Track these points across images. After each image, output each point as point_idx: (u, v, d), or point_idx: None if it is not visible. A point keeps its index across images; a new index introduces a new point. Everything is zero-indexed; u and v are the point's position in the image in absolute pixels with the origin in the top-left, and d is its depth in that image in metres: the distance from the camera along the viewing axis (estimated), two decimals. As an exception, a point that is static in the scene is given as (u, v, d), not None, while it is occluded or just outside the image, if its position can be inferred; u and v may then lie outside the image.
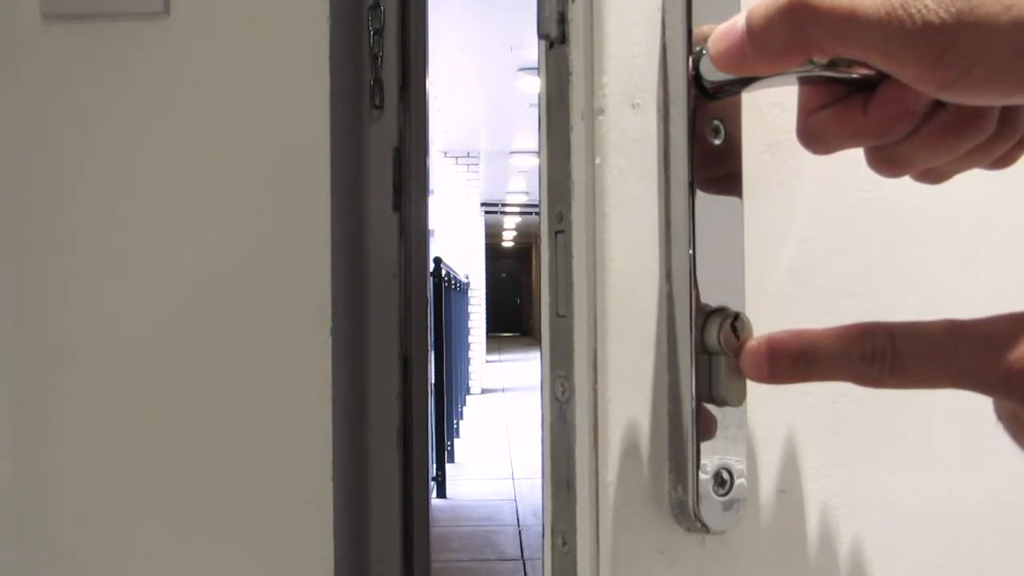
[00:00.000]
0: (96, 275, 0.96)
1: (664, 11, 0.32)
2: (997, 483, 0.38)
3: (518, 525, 3.29)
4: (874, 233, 0.37)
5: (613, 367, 0.31)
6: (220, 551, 0.97)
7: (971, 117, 0.26)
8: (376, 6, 1.07)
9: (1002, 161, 0.28)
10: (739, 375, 0.30)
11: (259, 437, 0.96)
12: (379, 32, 1.07)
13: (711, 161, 0.31)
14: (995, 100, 0.24)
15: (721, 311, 0.31)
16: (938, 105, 0.26)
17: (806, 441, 0.35)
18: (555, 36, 0.34)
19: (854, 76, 0.26)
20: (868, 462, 0.36)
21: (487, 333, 8.96)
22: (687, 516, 0.31)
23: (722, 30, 0.28)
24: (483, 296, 7.84)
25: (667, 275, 0.32)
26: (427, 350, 1.19)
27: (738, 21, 0.27)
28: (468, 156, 7.43)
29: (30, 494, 0.97)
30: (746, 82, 0.29)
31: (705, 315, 0.31)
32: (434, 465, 3.66)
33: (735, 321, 0.30)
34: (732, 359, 0.30)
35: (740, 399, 0.31)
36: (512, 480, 4.05)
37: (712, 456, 0.31)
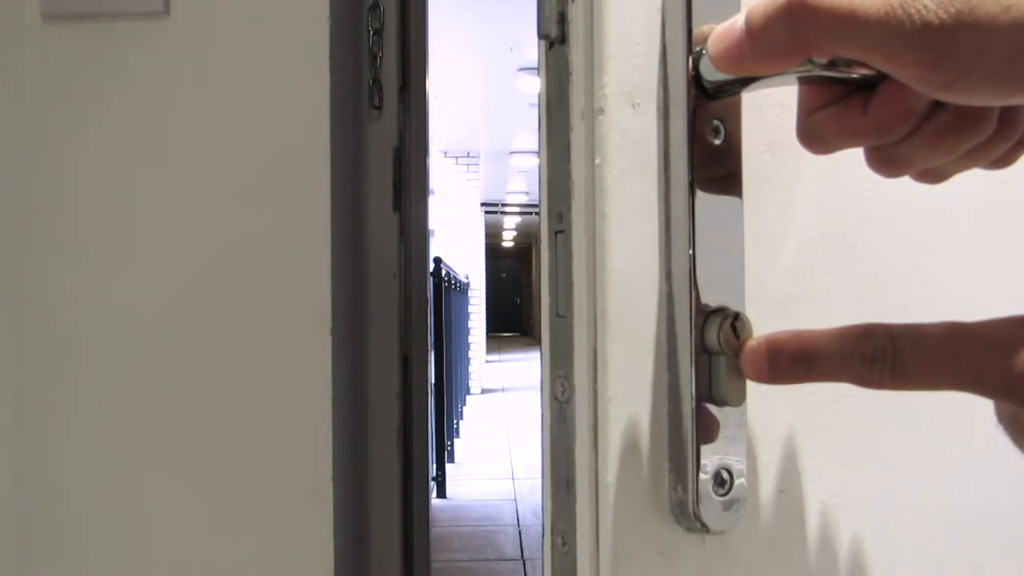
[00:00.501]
0: (96, 275, 0.96)
1: (664, 11, 0.32)
2: (997, 484, 0.38)
3: (518, 525, 3.29)
4: (874, 233, 0.37)
5: (613, 367, 0.31)
6: (220, 551, 0.97)
7: (970, 117, 0.26)
8: (376, 6, 1.07)
9: (1001, 161, 0.28)
10: (739, 375, 0.30)
11: (259, 437, 0.96)
12: (379, 32, 1.07)
13: (711, 161, 0.31)
14: (994, 100, 0.24)
15: (721, 311, 0.31)
16: (938, 105, 0.26)
17: (806, 441, 0.35)
18: (555, 36, 0.34)
19: (854, 76, 0.26)
20: (868, 462, 0.36)
21: (487, 333, 8.96)
22: (687, 516, 0.31)
23: (721, 30, 0.28)
24: (483, 296, 7.84)
25: (667, 275, 0.32)
26: (427, 350, 1.19)
27: (737, 21, 0.27)
28: (468, 156, 7.43)
29: (29, 492, 0.97)
30: (746, 82, 0.29)
31: (705, 315, 0.31)
32: (434, 465, 3.66)
33: (735, 321, 0.30)
34: (732, 359, 0.30)
35: (740, 399, 0.31)
36: (512, 480, 4.05)
37: (712, 456, 0.31)
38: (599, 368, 0.32)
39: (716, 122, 0.32)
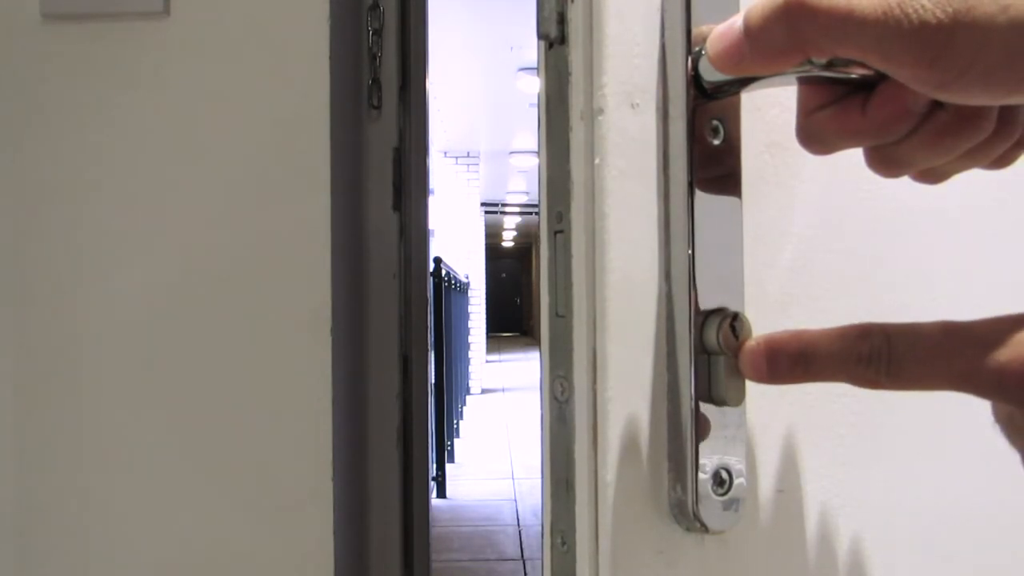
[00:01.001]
0: (96, 275, 0.96)
1: (663, 11, 0.32)
2: (996, 484, 0.38)
3: (518, 525, 3.29)
4: (874, 233, 0.37)
5: (612, 367, 0.31)
6: (220, 550, 0.97)
7: (969, 117, 0.26)
8: (376, 6, 1.07)
9: (1001, 161, 0.28)
10: (738, 375, 0.30)
11: (259, 437, 0.96)
12: (378, 32, 1.07)
13: (710, 161, 0.31)
14: (993, 100, 0.24)
15: (720, 311, 0.31)
16: (937, 105, 0.26)
17: (805, 441, 0.35)
18: (555, 36, 0.34)
19: (853, 76, 0.26)
20: (867, 462, 0.36)
21: (487, 333, 8.96)
22: (686, 516, 0.31)
23: (720, 30, 0.28)
24: (483, 296, 7.84)
25: (666, 275, 0.32)
26: (427, 350, 1.19)
27: (736, 21, 0.27)
28: (468, 156, 7.43)
29: (29, 492, 0.97)
30: (745, 82, 0.29)
31: (704, 315, 0.31)
32: (434, 465, 3.66)
33: (734, 321, 0.30)
34: (731, 359, 0.30)
35: (739, 399, 0.31)
36: (512, 480, 4.05)
37: (711, 456, 0.31)
38: (598, 368, 0.32)
39: (715, 122, 0.32)
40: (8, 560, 0.97)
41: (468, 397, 6.77)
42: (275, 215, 0.96)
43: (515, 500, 3.68)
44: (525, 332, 20.02)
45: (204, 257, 0.96)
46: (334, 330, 0.96)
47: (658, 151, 0.32)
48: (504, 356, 12.40)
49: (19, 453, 0.97)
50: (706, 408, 0.31)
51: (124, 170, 0.96)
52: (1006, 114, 0.27)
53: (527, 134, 6.76)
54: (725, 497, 0.31)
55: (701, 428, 0.31)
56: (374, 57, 1.07)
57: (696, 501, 0.31)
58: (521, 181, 9.47)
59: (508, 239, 17.70)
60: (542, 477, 0.36)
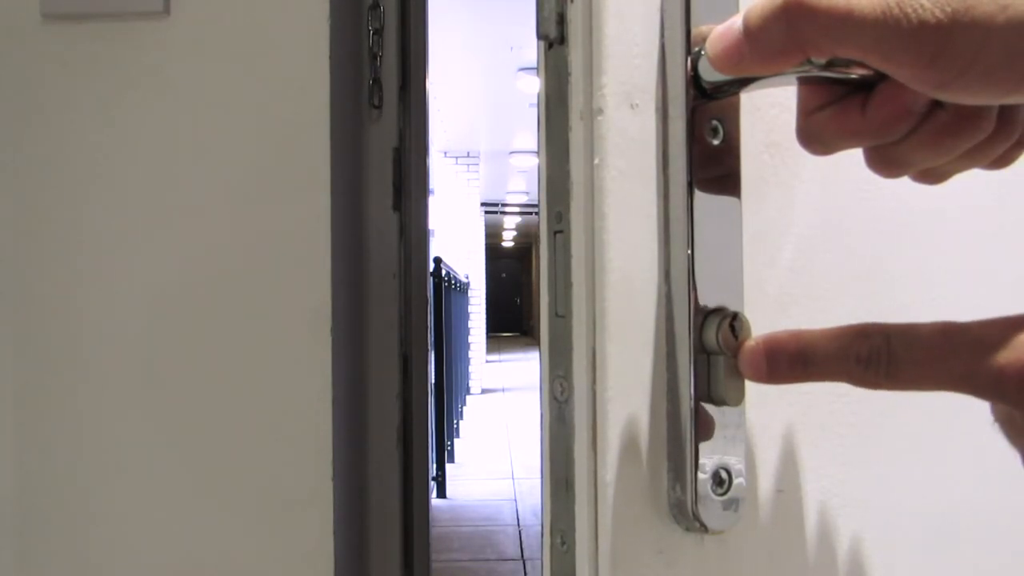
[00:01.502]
0: (96, 275, 0.96)
1: (663, 12, 0.32)
2: (995, 484, 0.38)
3: (518, 525, 3.29)
4: (874, 233, 0.37)
5: (612, 367, 0.31)
6: (220, 550, 0.97)
7: (969, 117, 0.26)
8: (376, 6, 1.07)
9: (1001, 161, 0.28)
10: (737, 375, 0.30)
11: (259, 437, 0.96)
12: (379, 32, 1.07)
13: (710, 161, 0.31)
14: (992, 99, 0.24)
15: (720, 311, 0.31)
16: (936, 105, 0.26)
17: (805, 441, 0.35)
18: (554, 36, 0.34)
19: (852, 76, 0.26)
20: (867, 462, 0.36)
21: (487, 333, 8.96)
22: (686, 516, 0.31)
23: (720, 31, 0.28)
24: (483, 296, 7.84)
25: (666, 275, 0.32)
26: (427, 350, 1.19)
27: (736, 22, 0.27)
28: (468, 156, 7.43)
29: (29, 492, 0.97)
30: (744, 82, 0.29)
31: (704, 315, 0.31)
32: (434, 465, 3.66)
33: (733, 321, 0.30)
34: (731, 359, 0.30)
35: (738, 399, 0.31)
36: (512, 480, 4.05)
37: (711, 456, 0.31)
38: (598, 368, 0.32)
39: (715, 122, 0.32)
40: (8, 560, 0.97)
41: (468, 397, 6.77)
42: (275, 215, 0.96)
43: (515, 500, 3.68)
44: (525, 332, 20.02)
45: (204, 257, 0.96)
46: (334, 330, 0.96)
47: (657, 151, 0.32)
48: (504, 356, 12.40)
49: (19, 453, 0.97)
50: (705, 408, 0.31)
51: (124, 170, 0.96)
52: (1006, 114, 0.27)
53: (527, 134, 6.76)
54: (725, 497, 0.31)
55: (701, 428, 0.31)
56: (374, 57, 1.07)
57: (696, 501, 0.31)
58: (521, 181, 9.47)
59: (508, 239, 17.70)
60: (542, 477, 0.36)
